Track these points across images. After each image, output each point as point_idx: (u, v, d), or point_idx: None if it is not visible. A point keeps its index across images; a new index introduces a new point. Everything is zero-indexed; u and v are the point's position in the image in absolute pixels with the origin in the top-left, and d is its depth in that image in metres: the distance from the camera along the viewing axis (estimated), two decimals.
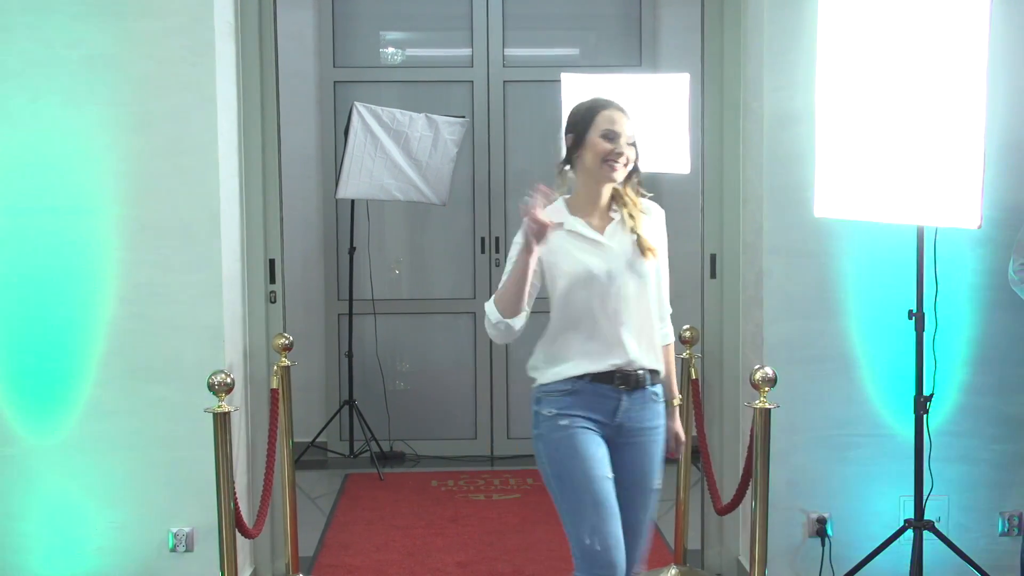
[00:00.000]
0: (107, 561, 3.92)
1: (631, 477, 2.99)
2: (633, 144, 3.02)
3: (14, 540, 3.91)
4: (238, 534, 3.50)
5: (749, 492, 3.60)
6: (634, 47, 6.43)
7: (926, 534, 3.71)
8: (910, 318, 3.68)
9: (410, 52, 6.63)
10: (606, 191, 3.04)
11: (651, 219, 3.08)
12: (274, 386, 4.14)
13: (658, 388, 3.05)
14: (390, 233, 6.60)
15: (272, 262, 4.28)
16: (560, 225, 2.94)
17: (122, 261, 3.85)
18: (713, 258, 4.35)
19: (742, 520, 4.24)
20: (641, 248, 2.97)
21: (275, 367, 4.16)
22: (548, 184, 2.89)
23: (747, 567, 3.88)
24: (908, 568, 3.72)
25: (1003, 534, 4.11)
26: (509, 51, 6.44)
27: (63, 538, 3.91)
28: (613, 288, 2.95)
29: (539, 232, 2.76)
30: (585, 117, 2.99)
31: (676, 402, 3.18)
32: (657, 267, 3.02)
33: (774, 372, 3.43)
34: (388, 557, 4.70)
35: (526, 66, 6.48)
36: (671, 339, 3.15)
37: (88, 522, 3.92)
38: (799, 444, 4.05)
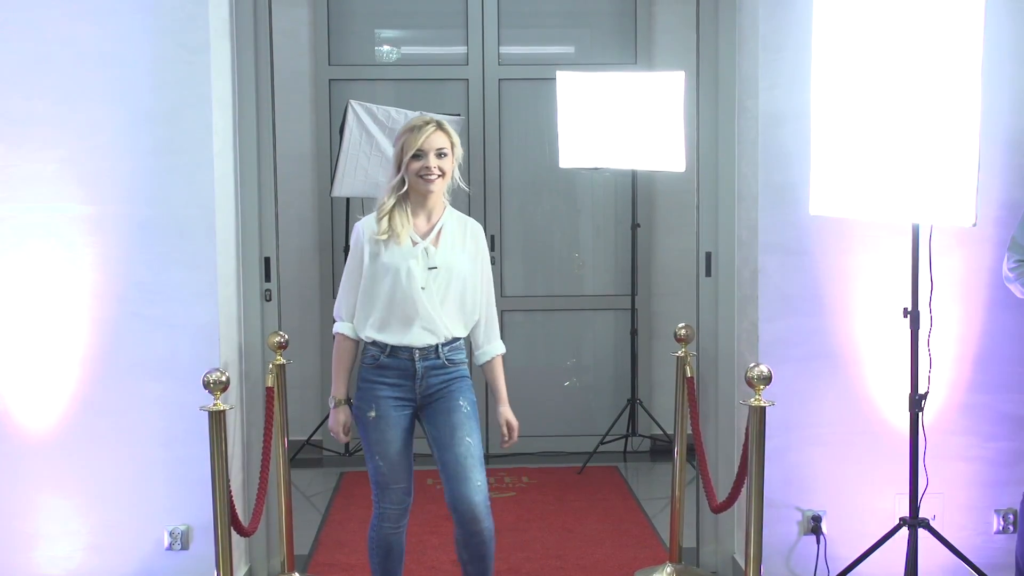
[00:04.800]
0: (102, 559, 3.92)
1: None
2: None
3: (10, 538, 3.90)
4: (233, 532, 3.49)
5: (744, 490, 3.60)
6: (629, 45, 6.43)
7: (921, 532, 3.72)
8: (905, 316, 3.68)
9: (405, 50, 6.63)
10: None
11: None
12: (269, 384, 4.13)
13: None
14: None
15: (267, 260, 4.27)
16: None
17: (117, 259, 3.85)
18: (708, 256, 4.36)
19: (737, 518, 4.24)
20: None
21: (270, 365, 4.16)
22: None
23: (742, 565, 3.88)
24: (903, 566, 3.72)
25: (998, 532, 4.12)
26: (504, 49, 6.44)
27: (58, 536, 3.91)
28: None
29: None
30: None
31: None
32: None
33: (769, 370, 3.44)
34: None
35: (521, 64, 6.48)
36: None
37: (83, 520, 3.91)
38: (794, 442, 4.05)
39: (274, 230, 4.28)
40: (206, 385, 3.36)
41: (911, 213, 3.42)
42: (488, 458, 6.36)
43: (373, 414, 3.41)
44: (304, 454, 6.23)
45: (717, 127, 4.30)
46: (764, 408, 3.43)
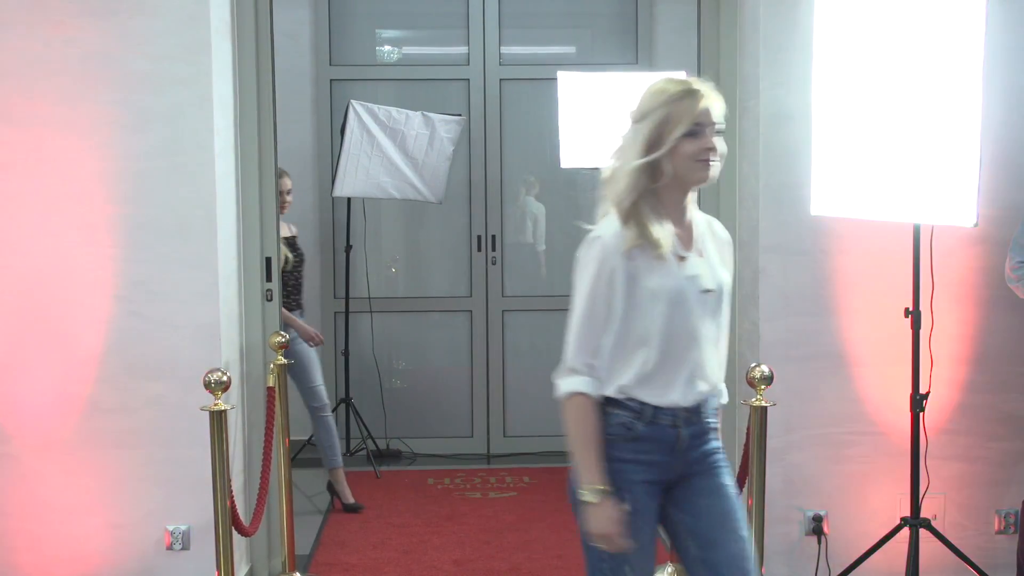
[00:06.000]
0: (104, 559, 3.92)
1: None
2: None
3: (11, 539, 3.90)
4: (234, 532, 3.50)
5: (746, 490, 3.60)
6: (630, 45, 6.43)
7: (922, 532, 3.72)
8: (906, 316, 3.68)
9: (406, 50, 6.63)
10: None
11: None
12: (270, 384, 4.13)
13: None
14: (386, 231, 6.60)
15: (268, 260, 4.27)
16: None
17: (118, 259, 3.85)
18: None
19: None
20: None
21: (271, 365, 4.16)
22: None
23: None
24: (904, 566, 3.72)
25: (999, 532, 4.12)
26: (505, 49, 6.44)
27: (60, 536, 3.91)
28: None
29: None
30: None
31: None
32: None
33: (770, 370, 3.44)
34: (384, 555, 4.70)
35: (522, 64, 6.48)
36: None
37: (84, 520, 3.91)
38: (795, 442, 4.05)
39: (275, 230, 4.29)
40: (207, 385, 3.36)
41: (912, 213, 3.42)
42: (489, 458, 6.37)
43: (626, 507, 2.43)
44: (305, 454, 6.22)
45: None
46: (765, 408, 3.43)
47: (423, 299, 6.55)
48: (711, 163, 2.39)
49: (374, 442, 6.18)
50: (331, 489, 5.41)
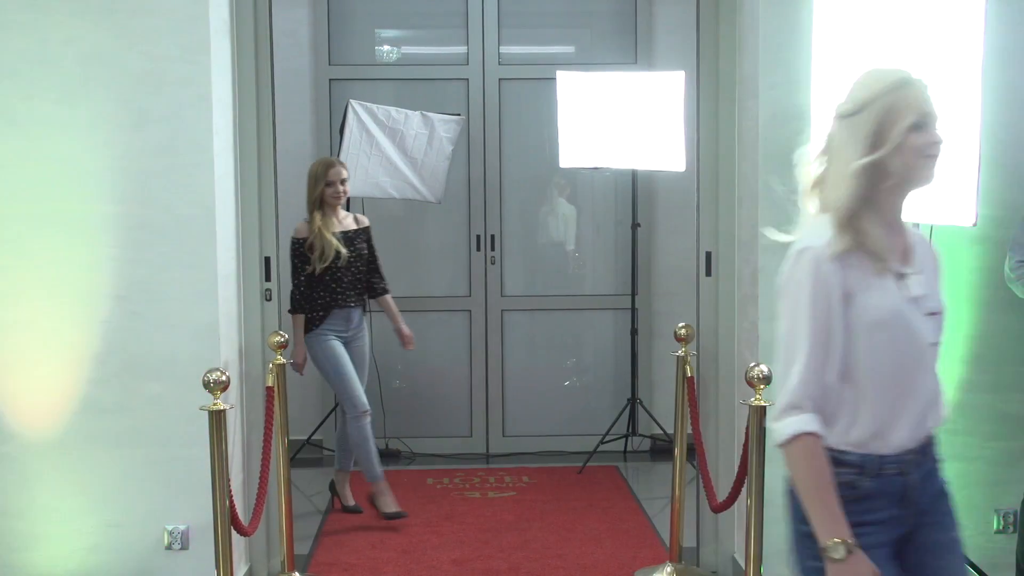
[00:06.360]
0: (103, 559, 3.92)
1: None
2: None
3: (10, 538, 3.90)
4: (233, 532, 3.50)
5: (744, 490, 3.60)
6: (630, 45, 6.43)
7: None
8: None
9: (406, 50, 6.63)
10: None
11: None
12: (269, 384, 4.13)
13: None
14: (386, 231, 6.59)
15: (268, 260, 4.27)
16: None
17: (117, 259, 3.85)
18: (708, 256, 4.35)
19: (737, 518, 4.24)
20: None
21: (270, 365, 4.16)
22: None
23: (743, 565, 3.88)
24: None
25: (999, 532, 4.11)
26: (505, 49, 6.43)
27: (58, 536, 3.90)
28: None
29: None
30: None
31: None
32: None
33: (769, 369, 3.43)
34: (383, 555, 4.70)
35: (522, 64, 6.48)
36: None
37: (83, 520, 3.91)
38: None
39: (274, 230, 4.28)
40: (206, 385, 3.36)
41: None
42: (488, 458, 6.37)
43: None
44: (304, 453, 6.23)
45: (717, 127, 4.29)
46: (764, 408, 3.43)
47: (422, 299, 6.54)
48: (936, 159, 2.12)
49: None
50: (332, 489, 5.40)
